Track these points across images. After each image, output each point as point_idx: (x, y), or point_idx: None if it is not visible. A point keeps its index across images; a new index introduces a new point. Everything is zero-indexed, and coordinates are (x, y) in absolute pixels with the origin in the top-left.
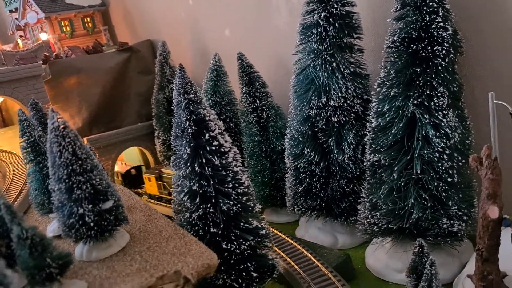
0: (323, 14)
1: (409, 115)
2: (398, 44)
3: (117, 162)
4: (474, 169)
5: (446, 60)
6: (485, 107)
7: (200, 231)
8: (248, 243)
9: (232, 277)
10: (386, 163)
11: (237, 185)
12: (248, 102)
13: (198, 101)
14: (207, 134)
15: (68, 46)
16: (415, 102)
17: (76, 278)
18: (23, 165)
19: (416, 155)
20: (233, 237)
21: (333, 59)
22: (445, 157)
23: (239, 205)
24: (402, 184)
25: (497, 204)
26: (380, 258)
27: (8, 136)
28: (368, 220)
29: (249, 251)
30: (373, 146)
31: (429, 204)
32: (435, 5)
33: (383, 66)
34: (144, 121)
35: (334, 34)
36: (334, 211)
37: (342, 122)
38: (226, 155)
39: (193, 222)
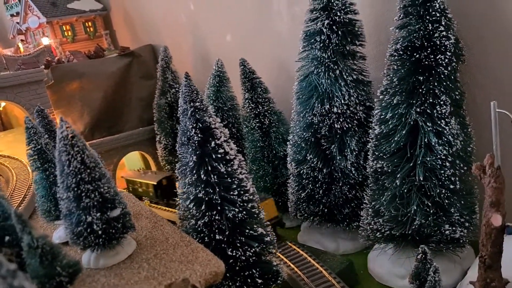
0: (326, 22)
1: (411, 122)
2: (401, 52)
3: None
4: (478, 177)
5: (449, 68)
6: (487, 115)
7: (206, 238)
8: (253, 249)
9: (237, 284)
10: (389, 170)
11: (242, 192)
12: (250, 107)
13: (204, 109)
14: (213, 142)
15: (70, 51)
16: (418, 109)
17: (84, 286)
18: (26, 170)
19: (418, 162)
20: (238, 244)
21: (336, 66)
22: (447, 164)
23: (244, 212)
24: (405, 190)
25: (500, 212)
26: (382, 264)
27: (8, 140)
28: (371, 226)
29: (254, 257)
30: (376, 153)
31: (431, 211)
32: (438, 14)
33: (386, 74)
34: (145, 125)
35: (337, 42)
36: (337, 217)
37: (345, 128)
38: (232, 163)
39: (199, 229)
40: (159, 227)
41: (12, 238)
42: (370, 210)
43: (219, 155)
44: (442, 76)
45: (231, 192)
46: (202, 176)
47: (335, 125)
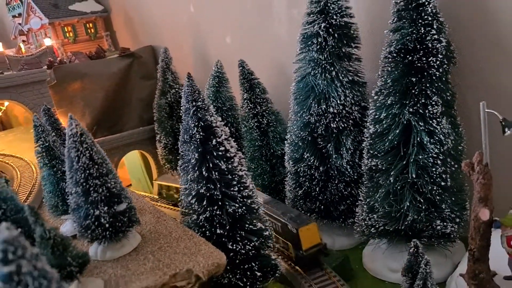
0: (323, 25)
1: (405, 122)
2: (394, 54)
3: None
4: (467, 174)
5: (440, 70)
6: (477, 115)
7: (207, 232)
8: (253, 243)
9: (237, 276)
10: (383, 168)
11: (242, 188)
12: (249, 108)
13: (206, 108)
14: (214, 140)
15: (72, 52)
16: (411, 110)
17: (93, 277)
18: (30, 168)
19: (411, 160)
20: (238, 238)
21: (332, 68)
22: (439, 162)
23: (244, 207)
24: (398, 187)
25: (488, 207)
26: (377, 258)
27: (9, 139)
28: (365, 222)
29: (253, 251)
30: (371, 152)
31: (423, 207)
32: (430, 18)
33: (380, 75)
34: (145, 125)
35: (333, 44)
36: (333, 214)
37: (340, 128)
38: (232, 160)
39: (200, 223)
40: (162, 222)
41: (24, 230)
42: (365, 206)
43: (220, 153)
44: (434, 77)
45: (232, 188)
46: (204, 172)
47: (331, 124)
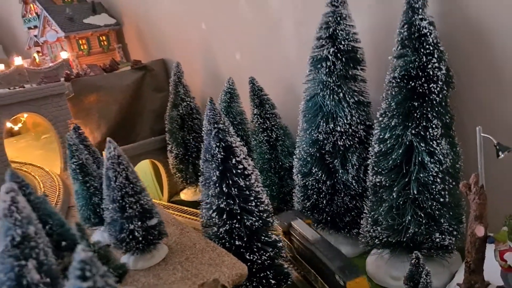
0: (331, 49)
1: (407, 142)
2: (398, 80)
3: None
4: (464, 193)
5: (440, 95)
6: (473, 135)
7: (227, 243)
8: (268, 254)
9: (254, 284)
10: (387, 184)
11: (258, 203)
12: (259, 122)
13: (226, 130)
14: (234, 159)
15: (87, 64)
16: (413, 131)
17: (127, 285)
18: (50, 177)
19: (413, 178)
20: (255, 249)
21: (340, 90)
22: (438, 180)
23: (260, 221)
24: (401, 202)
25: (483, 224)
26: (379, 267)
27: (20, 146)
28: (370, 233)
29: (268, 261)
30: (375, 169)
31: (424, 221)
32: (431, 48)
33: (385, 98)
34: (156, 135)
35: (341, 67)
36: (338, 224)
37: (347, 145)
38: (250, 177)
39: (221, 235)
40: (185, 234)
41: (68, 243)
42: (369, 219)
43: (239, 171)
44: (435, 102)
45: (249, 203)
46: (224, 189)
47: (339, 142)
